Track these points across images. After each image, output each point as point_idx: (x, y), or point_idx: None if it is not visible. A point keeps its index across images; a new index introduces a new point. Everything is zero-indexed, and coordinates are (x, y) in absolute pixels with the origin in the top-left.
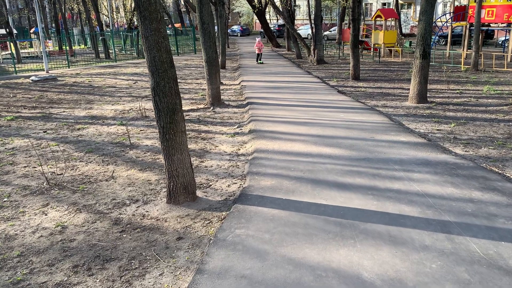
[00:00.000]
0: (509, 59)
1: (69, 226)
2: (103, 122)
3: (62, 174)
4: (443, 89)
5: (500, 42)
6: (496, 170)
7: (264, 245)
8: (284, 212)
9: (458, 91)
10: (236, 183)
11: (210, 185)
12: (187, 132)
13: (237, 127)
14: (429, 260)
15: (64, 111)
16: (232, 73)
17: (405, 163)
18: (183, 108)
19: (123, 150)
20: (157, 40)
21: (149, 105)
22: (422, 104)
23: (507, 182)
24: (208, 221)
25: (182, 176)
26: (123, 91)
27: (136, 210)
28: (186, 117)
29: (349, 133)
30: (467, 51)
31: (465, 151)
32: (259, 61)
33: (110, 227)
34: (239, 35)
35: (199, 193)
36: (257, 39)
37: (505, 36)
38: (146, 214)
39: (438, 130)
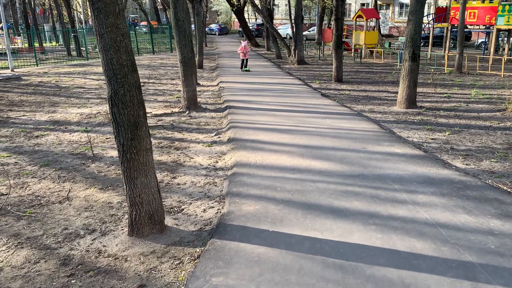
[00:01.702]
0: (491, 62)
1: (5, 268)
2: (66, 128)
3: (7, 194)
4: (430, 93)
5: (478, 44)
6: (505, 188)
7: None
8: (272, 250)
9: (446, 94)
10: (213, 206)
11: (183, 210)
12: (159, 141)
13: (215, 135)
14: None
15: (24, 115)
16: (210, 73)
17: (405, 181)
18: (156, 112)
19: (83, 163)
20: (115, 38)
21: None
22: (411, 110)
23: None
24: (179, 261)
25: (147, 204)
26: (91, 92)
27: (91, 244)
28: (159, 123)
29: (338, 143)
30: (449, 52)
31: (466, 165)
32: (244, 69)
33: (56, 270)
34: (217, 33)
35: (168, 220)
36: (243, 43)
37: (485, 39)
38: (103, 249)
39: (432, 139)
